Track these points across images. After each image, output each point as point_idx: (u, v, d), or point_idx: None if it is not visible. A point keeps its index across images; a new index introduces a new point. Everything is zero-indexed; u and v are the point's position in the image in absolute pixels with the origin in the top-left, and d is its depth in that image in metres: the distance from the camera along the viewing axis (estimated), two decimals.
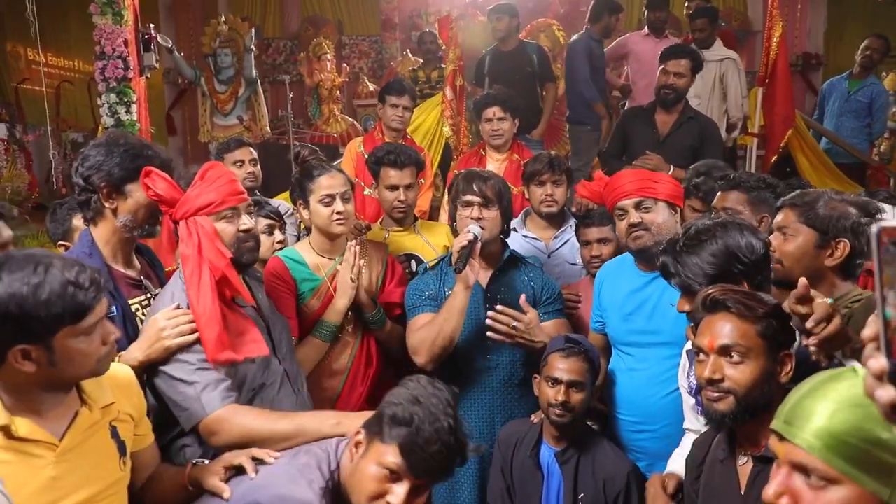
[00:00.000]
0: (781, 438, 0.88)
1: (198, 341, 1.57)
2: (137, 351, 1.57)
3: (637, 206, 1.95)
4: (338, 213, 2.12)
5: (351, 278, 2.08)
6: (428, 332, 1.98)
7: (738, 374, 1.33)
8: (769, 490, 0.87)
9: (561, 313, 2.17)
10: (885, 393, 0.63)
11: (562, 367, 1.84)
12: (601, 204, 2.25)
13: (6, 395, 1.22)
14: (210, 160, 2.24)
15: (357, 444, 1.37)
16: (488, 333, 1.98)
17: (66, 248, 2.26)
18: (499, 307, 1.97)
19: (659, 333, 1.93)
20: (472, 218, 2.02)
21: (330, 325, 2.10)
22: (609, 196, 2.04)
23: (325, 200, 2.12)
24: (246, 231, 1.68)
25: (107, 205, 1.71)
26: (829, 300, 1.27)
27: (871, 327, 0.64)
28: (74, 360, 1.21)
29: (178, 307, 1.60)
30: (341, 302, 2.09)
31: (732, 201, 2.08)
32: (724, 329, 1.35)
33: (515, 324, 1.94)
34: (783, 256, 1.67)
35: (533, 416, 2.01)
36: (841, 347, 1.27)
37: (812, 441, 0.83)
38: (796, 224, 1.66)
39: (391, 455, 1.28)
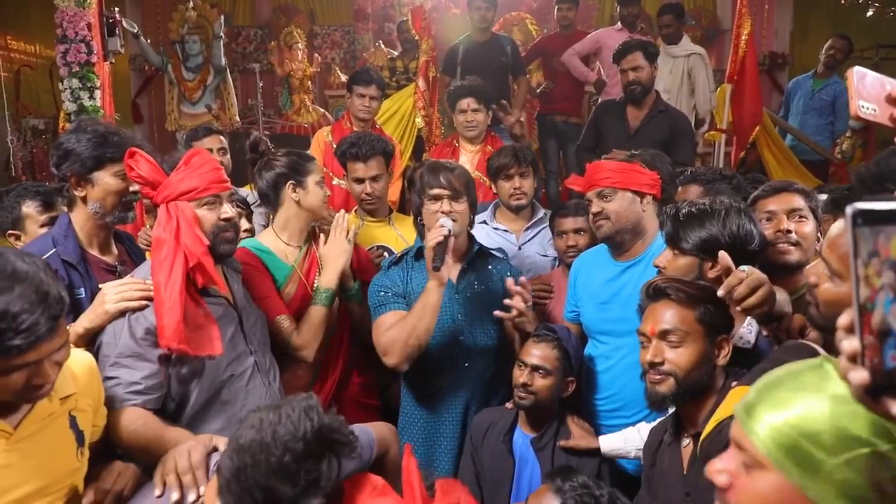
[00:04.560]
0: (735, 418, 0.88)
1: (138, 316, 1.55)
2: (84, 319, 1.57)
3: (599, 196, 1.99)
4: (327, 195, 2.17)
5: (348, 239, 2.09)
6: (400, 331, 1.91)
7: (677, 356, 1.40)
8: (714, 465, 0.87)
9: (530, 307, 2.15)
10: (858, 374, 0.63)
11: (532, 351, 1.89)
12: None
13: None
14: (177, 149, 2.23)
15: None
16: (496, 313, 1.91)
17: (17, 237, 2.16)
18: (522, 279, 1.92)
19: (634, 321, 1.94)
20: (442, 212, 1.96)
21: (328, 291, 2.08)
22: (583, 187, 2.09)
23: (322, 182, 2.16)
24: (227, 220, 1.68)
25: (77, 193, 1.73)
26: (744, 268, 1.33)
27: (846, 316, 0.64)
28: None
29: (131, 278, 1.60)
30: (339, 261, 2.08)
31: (692, 194, 2.19)
32: (664, 315, 1.43)
33: (523, 306, 1.89)
34: (803, 238, 1.73)
35: (508, 403, 2.02)
36: (762, 309, 1.32)
37: (747, 421, 0.82)
38: (806, 211, 1.76)
39: None
